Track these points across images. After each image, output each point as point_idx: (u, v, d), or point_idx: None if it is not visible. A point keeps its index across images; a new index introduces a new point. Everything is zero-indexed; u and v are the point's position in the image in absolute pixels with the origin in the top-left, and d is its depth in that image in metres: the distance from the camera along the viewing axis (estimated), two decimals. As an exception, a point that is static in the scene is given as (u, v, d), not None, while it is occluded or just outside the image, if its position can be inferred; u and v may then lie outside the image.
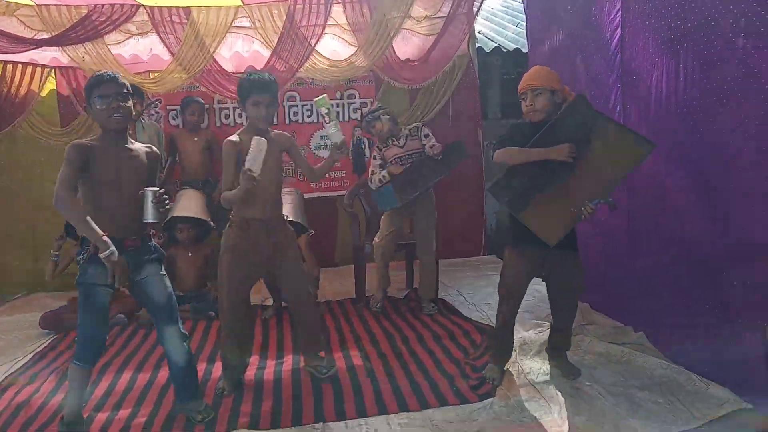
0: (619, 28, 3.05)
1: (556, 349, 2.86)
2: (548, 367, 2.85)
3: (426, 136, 3.80)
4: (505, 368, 2.81)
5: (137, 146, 2.42)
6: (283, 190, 4.06)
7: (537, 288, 3.03)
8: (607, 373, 2.75)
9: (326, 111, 2.66)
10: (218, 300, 2.83)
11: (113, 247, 2.17)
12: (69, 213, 2.21)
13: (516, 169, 2.54)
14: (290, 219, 3.78)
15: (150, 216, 2.26)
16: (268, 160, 2.58)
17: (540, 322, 3.32)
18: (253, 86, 2.60)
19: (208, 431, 2.42)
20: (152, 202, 2.24)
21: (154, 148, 2.49)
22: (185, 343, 2.47)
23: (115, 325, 3.72)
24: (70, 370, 2.37)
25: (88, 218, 2.18)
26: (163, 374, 2.98)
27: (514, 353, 3.00)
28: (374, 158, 3.91)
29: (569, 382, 2.68)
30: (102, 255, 2.15)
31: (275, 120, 5.05)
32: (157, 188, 2.29)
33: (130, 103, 2.31)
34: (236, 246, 2.68)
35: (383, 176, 3.74)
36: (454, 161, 3.71)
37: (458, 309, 3.86)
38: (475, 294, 4.19)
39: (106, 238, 2.16)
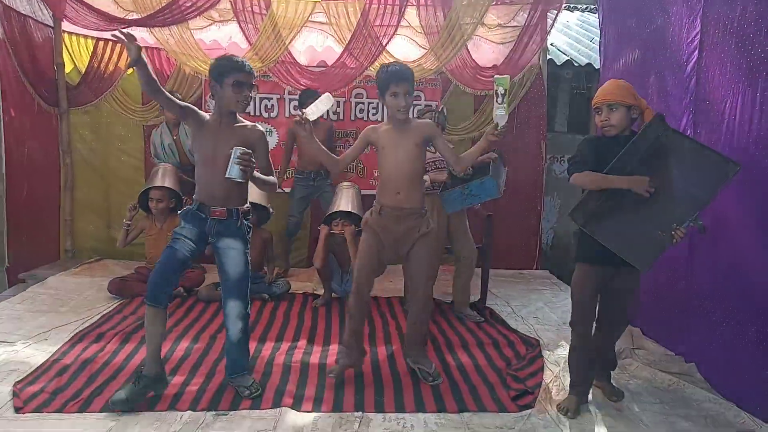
0: (696, 51, 2.99)
1: (602, 369, 2.80)
2: (592, 387, 2.83)
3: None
4: (582, 401, 2.65)
5: (243, 124, 2.63)
6: (342, 184, 4.19)
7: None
8: (652, 399, 2.72)
9: (503, 92, 2.62)
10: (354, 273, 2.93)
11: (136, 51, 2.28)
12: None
13: (594, 193, 2.50)
14: (345, 210, 3.91)
15: (230, 172, 2.36)
16: (399, 149, 2.73)
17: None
18: (392, 77, 2.70)
19: (253, 406, 2.54)
20: (236, 158, 2.34)
21: (259, 126, 2.67)
22: (242, 322, 2.63)
23: (175, 297, 3.91)
24: (146, 312, 2.53)
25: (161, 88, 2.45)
26: (217, 346, 3.14)
27: (557, 368, 3.01)
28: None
29: (611, 403, 2.67)
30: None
31: (341, 116, 5.27)
32: (243, 148, 2.39)
33: (251, 95, 2.58)
34: (369, 229, 2.85)
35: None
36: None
37: (505, 319, 3.86)
38: (523, 307, 4.18)
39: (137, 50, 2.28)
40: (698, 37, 2.97)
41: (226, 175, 2.37)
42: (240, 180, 2.40)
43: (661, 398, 2.74)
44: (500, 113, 2.64)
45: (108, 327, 3.39)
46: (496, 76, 2.67)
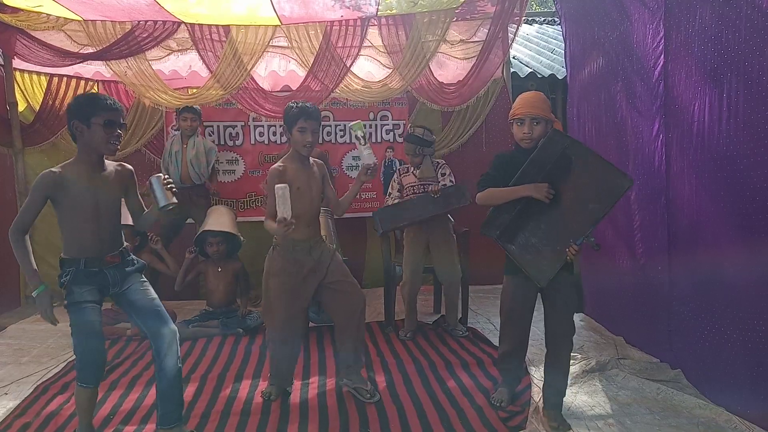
0: (662, 55, 3.01)
1: (556, 392, 2.60)
2: (581, 401, 2.77)
3: (443, 174, 3.91)
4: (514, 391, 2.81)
5: (112, 166, 2.42)
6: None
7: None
8: (642, 410, 2.67)
9: (361, 134, 2.78)
10: (265, 313, 2.94)
11: (42, 285, 2.30)
12: (17, 248, 2.35)
13: (502, 206, 2.53)
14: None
15: (162, 201, 2.30)
16: (311, 186, 2.79)
17: (574, 354, 3.23)
18: (302, 112, 2.71)
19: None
20: (160, 186, 2.29)
21: (126, 165, 2.48)
22: (176, 345, 2.39)
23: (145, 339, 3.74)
24: (75, 393, 2.36)
25: (28, 254, 2.32)
26: (191, 389, 2.98)
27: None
28: (394, 181, 4.04)
29: (602, 417, 2.61)
30: (33, 293, 2.29)
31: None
32: (159, 174, 2.35)
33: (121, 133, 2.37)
34: (282, 267, 2.80)
35: (394, 203, 3.89)
36: (452, 203, 3.70)
37: (487, 337, 3.79)
38: (504, 321, 4.11)
39: (36, 278, 2.33)
40: (662, 41, 2.99)
41: (161, 206, 2.31)
42: (174, 203, 2.34)
43: (650, 408, 2.69)
44: (366, 153, 2.75)
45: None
46: (351, 124, 2.83)
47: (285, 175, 2.73)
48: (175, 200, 2.35)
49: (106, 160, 2.41)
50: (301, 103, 2.76)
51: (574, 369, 3.05)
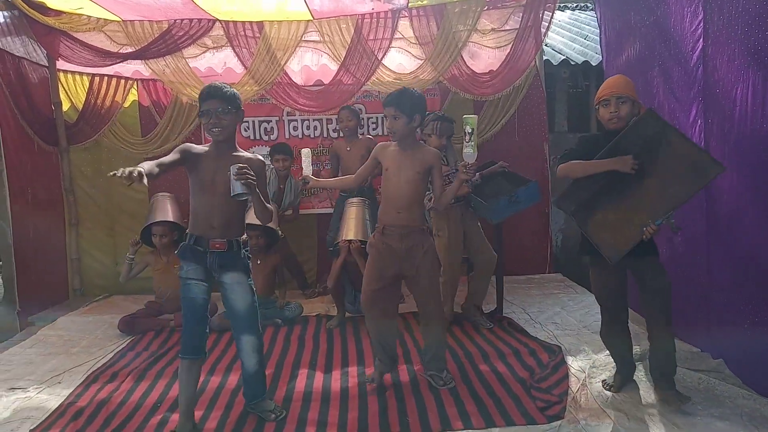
0: (701, 39, 2.93)
1: (662, 373, 2.63)
2: (620, 391, 2.75)
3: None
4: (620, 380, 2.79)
5: (240, 154, 2.56)
6: (350, 200, 4.16)
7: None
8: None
9: (470, 131, 2.72)
10: (362, 293, 2.99)
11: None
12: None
13: (581, 182, 2.52)
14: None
15: (233, 189, 2.32)
16: (401, 170, 2.79)
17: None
18: (384, 102, 2.82)
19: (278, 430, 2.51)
20: (234, 176, 2.31)
21: (259, 156, 2.61)
22: (258, 355, 2.58)
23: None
24: (180, 365, 2.49)
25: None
26: (233, 378, 3.08)
27: (583, 375, 2.94)
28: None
29: (642, 407, 2.59)
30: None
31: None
32: (239, 164, 2.34)
33: (229, 118, 2.47)
34: (375, 246, 2.87)
35: (457, 188, 3.77)
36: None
37: (523, 327, 3.78)
38: (541, 312, 4.11)
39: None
40: (701, 24, 2.91)
41: (232, 194, 2.33)
42: (245, 195, 2.35)
43: (692, 398, 2.65)
44: (468, 151, 2.72)
45: (121, 365, 3.34)
46: (464, 116, 2.76)
47: (383, 152, 2.87)
48: (248, 192, 2.35)
49: (240, 150, 2.57)
50: (391, 93, 2.84)
51: (610, 359, 3.03)
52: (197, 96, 4.81)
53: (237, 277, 2.52)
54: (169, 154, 2.46)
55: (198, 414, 2.67)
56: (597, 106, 2.62)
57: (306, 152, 2.95)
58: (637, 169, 2.38)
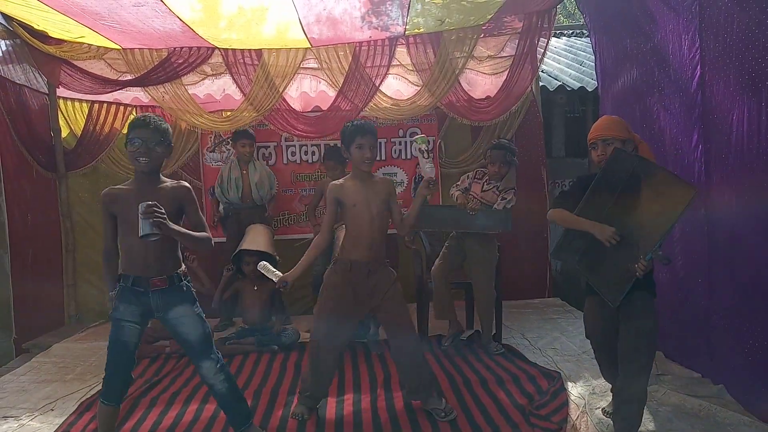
0: (699, 65, 2.97)
1: (627, 425, 2.38)
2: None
3: (504, 199, 3.81)
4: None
5: (165, 183, 2.43)
6: (339, 224, 4.16)
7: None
8: (685, 426, 2.61)
9: (425, 147, 2.78)
10: (314, 319, 2.93)
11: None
12: (103, 267, 2.46)
13: (571, 231, 2.54)
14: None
15: (143, 229, 2.17)
16: (370, 204, 2.76)
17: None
18: (357, 130, 2.75)
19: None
20: (141, 213, 2.16)
21: (183, 183, 2.48)
22: (222, 374, 2.48)
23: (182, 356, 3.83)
24: (98, 409, 2.43)
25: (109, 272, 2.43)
26: (210, 407, 3.03)
27: (582, 402, 2.90)
28: (467, 177, 3.98)
29: (643, 435, 2.55)
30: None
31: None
32: (148, 201, 2.20)
33: (160, 149, 2.36)
34: (336, 285, 2.80)
35: (453, 195, 3.88)
36: (490, 227, 3.76)
37: (522, 353, 3.75)
38: (540, 338, 4.07)
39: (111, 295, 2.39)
40: (698, 51, 2.95)
41: (140, 234, 2.17)
42: (156, 234, 2.19)
43: (693, 424, 2.62)
44: (428, 167, 2.75)
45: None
46: (416, 137, 2.85)
47: (342, 190, 2.78)
48: (157, 232, 2.20)
49: (162, 178, 2.44)
50: (356, 121, 2.82)
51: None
52: (196, 122, 4.94)
53: (183, 310, 2.42)
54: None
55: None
56: (589, 149, 2.63)
57: (262, 265, 2.91)
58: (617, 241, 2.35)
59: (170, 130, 2.45)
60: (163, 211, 2.20)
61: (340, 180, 2.85)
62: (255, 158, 4.83)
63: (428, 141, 2.83)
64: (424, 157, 2.76)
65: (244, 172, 4.70)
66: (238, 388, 2.61)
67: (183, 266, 2.49)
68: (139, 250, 2.34)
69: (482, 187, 3.88)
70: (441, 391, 3.00)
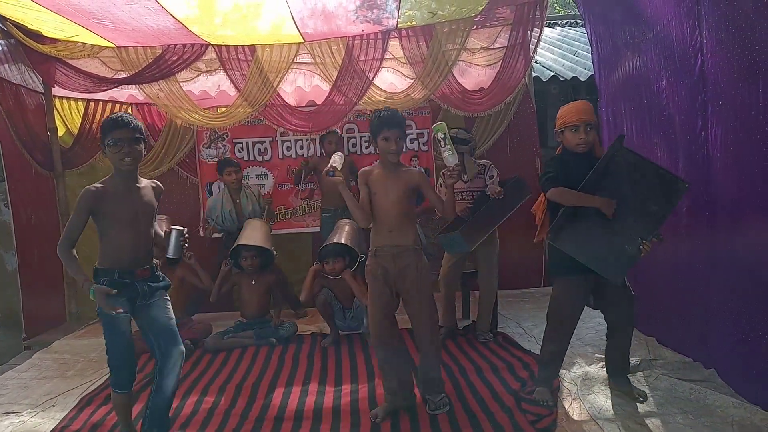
0: (700, 53, 2.98)
1: (617, 375, 2.89)
2: (612, 403, 2.76)
3: (491, 177, 3.88)
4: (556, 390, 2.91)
5: (145, 183, 2.55)
6: (342, 220, 4.20)
7: (600, 321, 3.00)
8: (675, 410, 2.64)
9: (443, 136, 2.76)
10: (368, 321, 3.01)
11: (95, 285, 2.36)
12: (67, 261, 2.46)
13: (568, 215, 2.63)
14: (339, 242, 3.97)
15: (172, 252, 2.49)
16: (388, 192, 2.79)
17: (602, 356, 3.22)
18: (384, 123, 2.76)
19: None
20: (177, 240, 2.47)
21: (158, 183, 2.63)
22: (179, 368, 2.50)
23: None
24: (112, 398, 2.50)
25: (77, 264, 2.42)
26: (227, 398, 3.09)
27: (575, 387, 2.95)
28: (440, 184, 3.97)
29: (633, 418, 2.59)
30: (90, 296, 2.35)
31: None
32: (183, 228, 2.53)
33: (140, 147, 2.44)
34: (371, 272, 2.86)
35: (471, 218, 3.82)
36: (518, 200, 3.75)
37: (517, 341, 3.79)
38: (535, 326, 4.11)
39: (87, 281, 2.39)
40: (698, 38, 2.96)
41: (168, 255, 2.50)
42: (177, 259, 2.60)
43: (683, 408, 2.66)
44: (447, 154, 2.75)
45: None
46: (433, 126, 2.84)
47: (369, 176, 2.84)
48: (179, 257, 2.57)
49: (140, 177, 2.53)
50: (383, 113, 2.79)
51: (603, 371, 3.04)
52: (192, 119, 4.96)
53: (161, 295, 2.55)
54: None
55: (191, 434, 2.67)
56: (561, 130, 2.72)
57: (339, 156, 2.92)
58: (616, 205, 2.57)
59: (143, 127, 2.53)
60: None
61: (370, 167, 2.92)
62: (245, 185, 4.85)
63: (446, 129, 2.77)
64: (441, 145, 2.76)
65: (237, 201, 4.74)
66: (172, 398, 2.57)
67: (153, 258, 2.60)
68: (131, 245, 2.44)
69: (462, 179, 3.91)
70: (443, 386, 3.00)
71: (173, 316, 2.57)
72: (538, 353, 3.35)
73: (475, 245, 3.61)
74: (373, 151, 5.32)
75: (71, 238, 2.43)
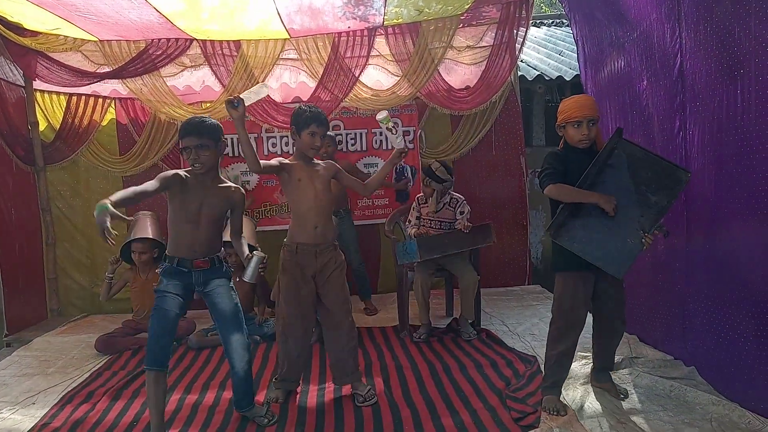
0: (679, 54, 3.02)
1: (601, 371, 2.93)
2: (594, 400, 2.79)
3: (461, 213, 4.01)
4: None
5: (226, 185, 2.68)
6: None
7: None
8: (655, 407, 2.68)
9: (391, 125, 2.95)
10: (276, 309, 3.01)
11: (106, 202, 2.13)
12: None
13: (568, 210, 2.60)
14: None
15: (249, 277, 2.59)
16: (314, 180, 2.84)
17: (586, 354, 3.25)
18: (314, 118, 2.82)
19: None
20: (256, 266, 2.57)
21: (241, 189, 2.74)
22: (248, 354, 2.66)
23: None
24: (145, 376, 2.52)
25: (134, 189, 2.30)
26: (210, 395, 3.08)
27: (557, 385, 2.97)
28: (413, 209, 4.16)
29: (614, 415, 2.62)
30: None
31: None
32: (264, 255, 2.63)
33: (208, 153, 2.54)
34: (287, 267, 2.87)
35: (411, 234, 3.99)
36: (479, 241, 3.94)
37: (502, 339, 3.82)
38: (519, 324, 4.14)
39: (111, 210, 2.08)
40: (678, 39, 3.00)
41: (245, 279, 2.60)
42: (253, 282, 2.68)
43: (663, 405, 2.70)
44: (398, 140, 2.92)
45: (97, 385, 3.31)
46: (378, 117, 2.94)
47: (291, 168, 2.84)
48: (254, 281, 2.66)
49: (222, 179, 2.69)
50: (313, 108, 2.85)
51: (586, 369, 3.08)
52: (175, 114, 4.91)
53: (221, 282, 2.63)
54: (142, 172, 2.50)
55: (174, 432, 2.66)
56: (563, 125, 2.69)
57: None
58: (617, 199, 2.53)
59: (219, 126, 2.62)
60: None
61: (289, 160, 2.91)
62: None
63: (388, 118, 2.95)
64: (392, 132, 2.93)
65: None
66: (251, 374, 2.73)
67: (222, 251, 2.70)
68: (189, 238, 2.55)
69: (434, 208, 4.03)
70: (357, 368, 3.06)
71: (236, 302, 2.65)
72: (538, 355, 3.40)
73: (422, 259, 3.76)
74: (360, 149, 5.31)
75: (146, 189, 2.32)
